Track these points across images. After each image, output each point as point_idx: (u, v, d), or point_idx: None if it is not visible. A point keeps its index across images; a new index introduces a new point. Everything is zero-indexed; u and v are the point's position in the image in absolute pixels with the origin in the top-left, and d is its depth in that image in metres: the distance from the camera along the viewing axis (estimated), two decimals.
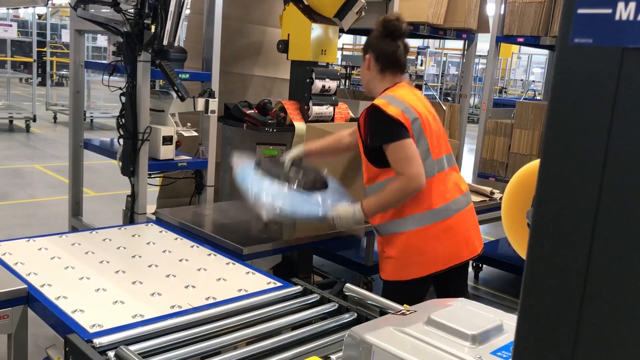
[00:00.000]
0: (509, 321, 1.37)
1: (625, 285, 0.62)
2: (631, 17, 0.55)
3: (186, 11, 3.22)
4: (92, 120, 12.08)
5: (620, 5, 0.55)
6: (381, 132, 2.56)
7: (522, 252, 1.45)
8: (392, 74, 2.69)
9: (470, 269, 5.14)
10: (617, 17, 0.56)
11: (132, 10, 2.91)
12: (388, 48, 2.65)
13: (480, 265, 5.15)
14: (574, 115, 0.60)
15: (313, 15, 3.64)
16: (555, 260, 0.68)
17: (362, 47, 2.67)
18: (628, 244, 0.61)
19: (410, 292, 2.62)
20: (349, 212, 2.64)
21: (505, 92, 19.43)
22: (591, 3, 0.57)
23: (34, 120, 10.97)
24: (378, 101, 2.58)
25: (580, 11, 0.58)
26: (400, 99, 2.58)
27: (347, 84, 15.69)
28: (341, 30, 3.88)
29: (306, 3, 3.68)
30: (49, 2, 3.54)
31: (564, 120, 0.61)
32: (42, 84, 13.91)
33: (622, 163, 0.58)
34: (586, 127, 0.60)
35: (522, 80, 20.24)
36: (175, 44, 3.07)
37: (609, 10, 0.56)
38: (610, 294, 0.64)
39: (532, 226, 0.69)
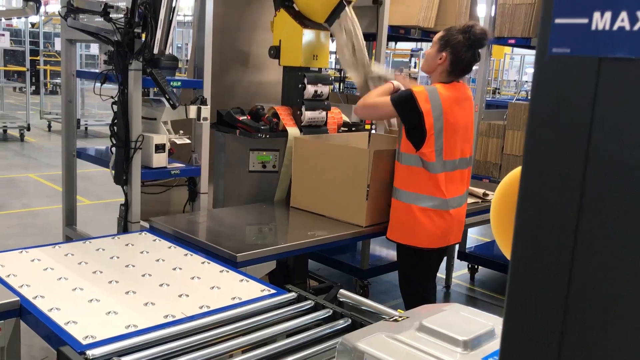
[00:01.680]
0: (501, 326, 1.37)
1: (607, 288, 0.63)
2: (607, 27, 0.55)
3: (177, 18, 3.21)
4: (86, 128, 12.05)
5: (596, 15, 0.55)
6: (399, 94, 3.01)
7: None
8: (456, 77, 3.00)
9: (465, 270, 5.17)
10: (593, 27, 0.56)
11: (122, 20, 2.91)
12: (467, 57, 2.92)
13: (475, 266, 5.16)
14: (553, 124, 0.60)
15: (304, 20, 3.65)
16: (538, 266, 0.68)
17: (443, 41, 2.99)
18: (609, 248, 0.61)
19: (407, 257, 3.16)
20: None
21: (498, 92, 19.46)
22: (568, 13, 0.57)
23: (28, 129, 10.95)
24: (419, 89, 2.93)
25: (557, 21, 0.58)
26: (440, 99, 2.90)
27: (341, 87, 15.70)
28: (332, 35, 3.89)
29: (297, 9, 3.69)
30: (39, 11, 3.53)
31: (544, 129, 0.61)
32: (36, 92, 13.88)
33: (602, 171, 0.58)
34: (566, 136, 0.60)
35: (515, 80, 20.30)
36: (167, 52, 3.07)
37: (585, 20, 0.56)
38: (593, 297, 0.64)
39: (515, 233, 0.69)
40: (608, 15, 0.55)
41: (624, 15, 0.53)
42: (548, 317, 0.69)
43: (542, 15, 0.60)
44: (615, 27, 0.54)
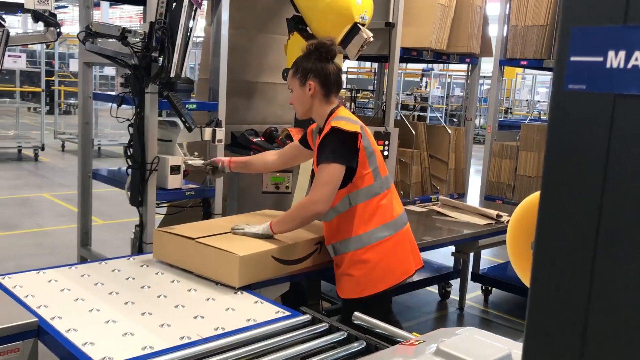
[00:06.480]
0: (518, 350, 1.37)
1: (626, 317, 0.64)
2: (621, 65, 0.57)
3: (193, 40, 3.26)
4: (99, 148, 12.17)
5: (611, 53, 0.57)
6: (334, 150, 2.54)
7: (528, 282, 1.45)
8: (335, 95, 2.71)
9: (479, 292, 5.14)
10: (608, 65, 0.58)
11: (139, 44, 2.97)
12: (332, 71, 2.65)
13: (489, 288, 5.13)
14: (570, 158, 0.62)
15: None
16: (558, 295, 0.70)
17: (299, 73, 2.68)
18: (627, 276, 0.62)
19: (369, 309, 2.27)
20: (255, 230, 2.68)
21: (510, 112, 19.47)
22: (583, 51, 0.59)
23: (42, 149, 11.07)
24: (338, 123, 2.56)
25: (573, 59, 0.60)
26: (355, 120, 2.66)
27: (352, 107, 15.79)
28: (345, 57, 3.93)
29: (310, 32, 3.74)
30: (59, 36, 3.61)
31: (561, 163, 0.63)
32: (51, 112, 14.06)
33: (617, 204, 0.60)
34: (582, 169, 0.62)
35: (527, 100, 20.30)
36: (182, 75, 3.12)
37: (600, 58, 0.58)
38: (611, 327, 0.65)
39: (534, 264, 0.71)
40: (622, 54, 0.57)
41: (637, 54, 0.55)
42: (567, 348, 0.70)
43: (558, 52, 0.62)
44: (629, 66, 0.56)
